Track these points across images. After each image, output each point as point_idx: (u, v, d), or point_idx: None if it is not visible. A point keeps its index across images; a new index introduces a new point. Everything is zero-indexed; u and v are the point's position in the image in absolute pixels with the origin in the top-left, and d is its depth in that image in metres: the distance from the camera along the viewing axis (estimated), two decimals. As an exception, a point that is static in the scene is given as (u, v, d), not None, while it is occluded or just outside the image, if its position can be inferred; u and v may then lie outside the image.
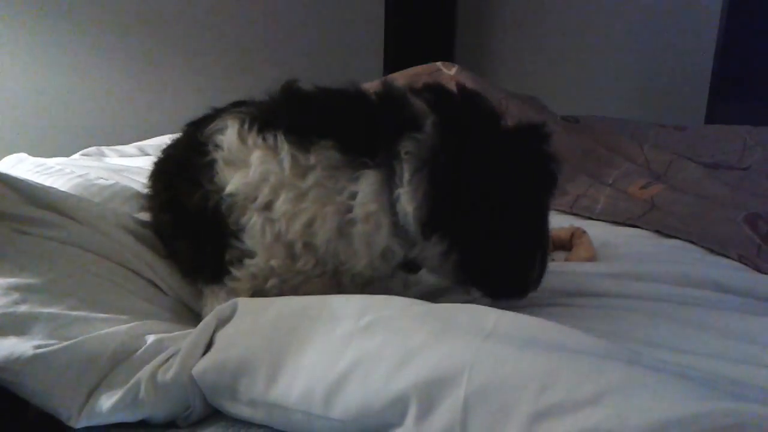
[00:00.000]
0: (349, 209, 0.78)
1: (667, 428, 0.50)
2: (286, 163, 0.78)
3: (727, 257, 1.14)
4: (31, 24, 1.83)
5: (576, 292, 0.94)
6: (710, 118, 2.72)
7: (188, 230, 0.87)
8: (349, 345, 0.64)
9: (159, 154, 1.01)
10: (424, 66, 2.02)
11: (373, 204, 0.78)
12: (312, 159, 0.78)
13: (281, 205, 0.78)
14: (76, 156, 1.63)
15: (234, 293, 0.82)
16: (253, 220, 0.80)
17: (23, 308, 0.73)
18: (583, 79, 3.06)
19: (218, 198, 0.81)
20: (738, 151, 1.84)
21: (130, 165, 1.48)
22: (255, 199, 0.79)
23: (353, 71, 2.62)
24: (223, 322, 0.73)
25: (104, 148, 1.71)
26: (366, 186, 0.77)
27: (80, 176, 1.18)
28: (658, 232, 1.27)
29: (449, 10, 3.25)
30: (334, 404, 0.62)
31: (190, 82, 2.21)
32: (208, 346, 0.70)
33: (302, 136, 0.79)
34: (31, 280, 0.77)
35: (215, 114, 0.90)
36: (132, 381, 0.67)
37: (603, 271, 1.01)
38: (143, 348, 0.71)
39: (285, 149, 0.79)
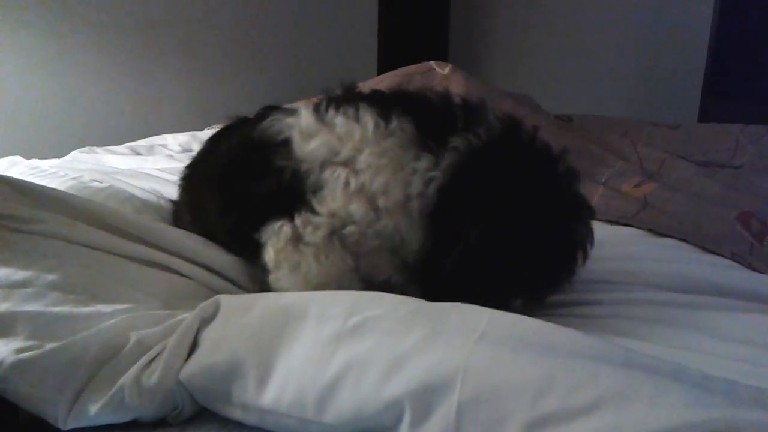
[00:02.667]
0: (409, 184, 0.84)
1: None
2: (370, 124, 0.84)
3: (721, 256, 1.14)
4: (25, 26, 1.82)
5: (566, 298, 0.93)
6: (703, 117, 2.71)
7: (258, 209, 0.87)
8: (338, 347, 0.64)
9: (184, 171, 1.03)
10: (418, 65, 2.02)
11: (421, 185, 0.84)
12: (392, 126, 0.85)
13: (366, 157, 0.83)
14: (69, 157, 1.62)
15: (310, 227, 0.84)
16: (337, 173, 0.83)
17: (5, 306, 0.73)
18: (577, 78, 3.05)
19: (294, 167, 0.84)
20: (731, 150, 1.84)
21: (123, 167, 1.48)
22: (338, 153, 0.84)
23: (347, 71, 2.60)
24: (206, 321, 0.72)
25: (97, 149, 1.70)
26: (422, 168, 0.84)
27: (74, 179, 1.18)
28: (651, 230, 1.26)
29: (442, 10, 3.24)
30: (326, 409, 0.62)
31: (184, 82, 2.20)
32: (193, 347, 0.70)
33: (383, 109, 0.86)
34: (13, 276, 0.77)
35: (247, 119, 0.94)
36: (116, 385, 0.67)
37: (596, 271, 1.01)
38: (127, 348, 0.70)
39: (368, 113, 0.85)
